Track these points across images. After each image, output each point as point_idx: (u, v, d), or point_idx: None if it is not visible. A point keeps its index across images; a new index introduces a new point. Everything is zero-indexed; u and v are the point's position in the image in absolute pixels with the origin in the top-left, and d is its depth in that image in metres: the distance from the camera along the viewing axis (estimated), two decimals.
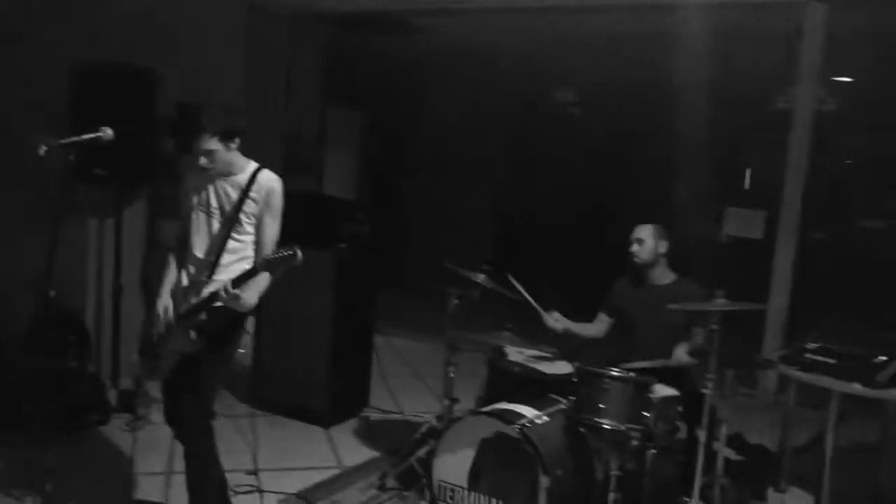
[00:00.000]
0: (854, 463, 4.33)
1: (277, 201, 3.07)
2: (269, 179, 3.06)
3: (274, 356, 4.86)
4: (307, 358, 4.71)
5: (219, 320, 3.00)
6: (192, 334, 2.95)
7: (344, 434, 4.64)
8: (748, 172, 8.14)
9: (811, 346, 3.93)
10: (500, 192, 9.73)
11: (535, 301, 4.04)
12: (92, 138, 2.63)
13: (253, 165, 3.09)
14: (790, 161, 5.94)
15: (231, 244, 3.03)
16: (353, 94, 8.47)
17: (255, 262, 2.97)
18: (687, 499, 3.39)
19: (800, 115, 5.91)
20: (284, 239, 4.76)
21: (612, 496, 3.19)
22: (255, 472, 3.91)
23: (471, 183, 9.31)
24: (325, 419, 4.69)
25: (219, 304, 2.91)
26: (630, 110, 8.35)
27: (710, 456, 3.54)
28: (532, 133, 9.68)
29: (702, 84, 6.90)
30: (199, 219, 3.09)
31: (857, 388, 3.63)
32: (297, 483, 3.88)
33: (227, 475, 3.49)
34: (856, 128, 6.88)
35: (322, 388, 4.70)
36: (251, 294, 2.94)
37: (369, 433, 4.68)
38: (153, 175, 4.69)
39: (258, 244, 3.07)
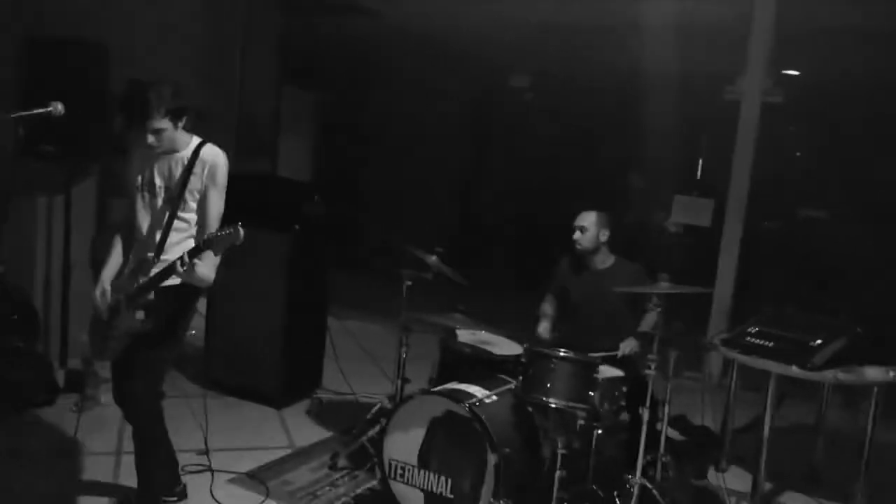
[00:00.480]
0: (792, 443, 4.51)
1: (222, 176, 3.01)
2: (213, 154, 3.01)
3: (226, 337, 4.84)
4: (259, 339, 4.71)
5: (168, 300, 2.98)
6: (140, 314, 2.93)
7: (296, 415, 4.66)
8: (699, 162, 8.33)
9: (752, 329, 4.06)
10: (455, 176, 9.79)
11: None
12: (42, 113, 2.58)
13: (196, 141, 3.05)
14: (737, 151, 6.10)
15: (176, 223, 3.00)
16: (308, 76, 8.42)
17: (196, 240, 2.96)
18: (630, 476, 3.49)
19: (747, 106, 6.07)
20: (237, 220, 4.79)
21: (558, 474, 3.28)
22: (206, 452, 3.90)
23: (426, 166, 9.35)
24: (277, 400, 4.71)
25: (168, 282, 2.89)
26: (584, 98, 8.46)
27: (654, 436, 3.65)
28: (487, 118, 9.75)
29: (655, 74, 7.02)
30: (143, 198, 3.06)
31: (793, 370, 3.77)
32: (248, 463, 3.89)
33: (179, 455, 3.49)
34: (801, 120, 7.08)
35: (274, 369, 4.71)
36: (207, 269, 2.93)
37: (321, 414, 4.70)
38: (103, 153, 4.61)
39: (201, 220, 3.02)
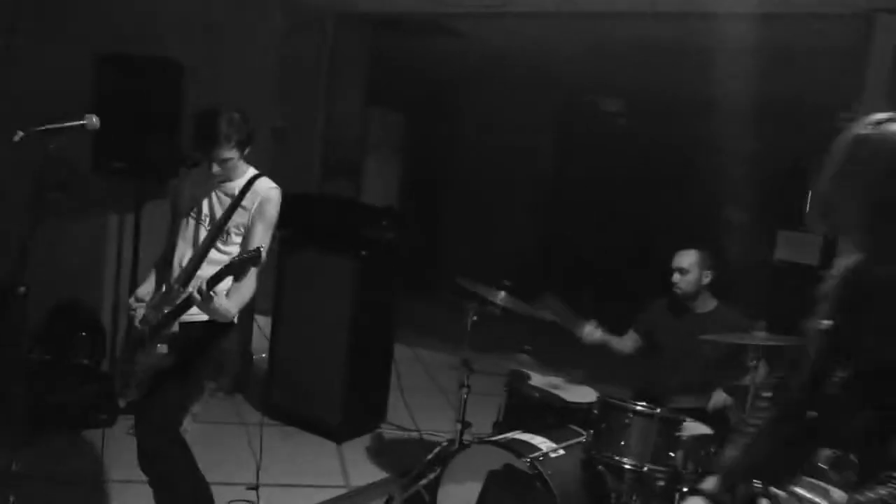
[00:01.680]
0: None
1: (272, 211, 2.85)
2: (266, 188, 2.86)
3: (290, 363, 4.67)
4: (323, 367, 4.51)
5: (191, 335, 2.79)
6: (163, 347, 2.74)
7: (356, 451, 4.43)
8: (808, 195, 7.69)
9: None
10: (541, 204, 9.46)
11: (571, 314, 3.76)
12: (75, 126, 2.45)
13: (251, 172, 2.90)
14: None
15: (214, 254, 2.82)
16: (395, 98, 8.30)
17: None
18: None
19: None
20: (305, 242, 4.65)
21: None
22: (255, 488, 3.71)
23: (511, 193, 9.06)
24: (337, 434, 4.48)
25: (195, 317, 2.71)
26: (681, 124, 8.02)
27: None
28: (577, 143, 9.39)
29: (758, 100, 6.54)
30: (187, 226, 2.90)
31: None
32: (298, 501, 3.67)
33: (226, 488, 3.31)
34: None
35: (337, 400, 4.49)
36: (231, 303, 2.71)
37: (382, 451, 4.45)
38: (174, 172, 4.55)
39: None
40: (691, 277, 3.66)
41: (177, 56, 4.37)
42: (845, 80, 5.39)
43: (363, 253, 4.45)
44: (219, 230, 2.82)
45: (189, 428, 3.70)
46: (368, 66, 7.35)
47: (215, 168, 2.76)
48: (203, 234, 2.87)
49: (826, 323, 1.65)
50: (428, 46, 7.87)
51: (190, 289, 2.72)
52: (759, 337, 3.04)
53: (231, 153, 2.75)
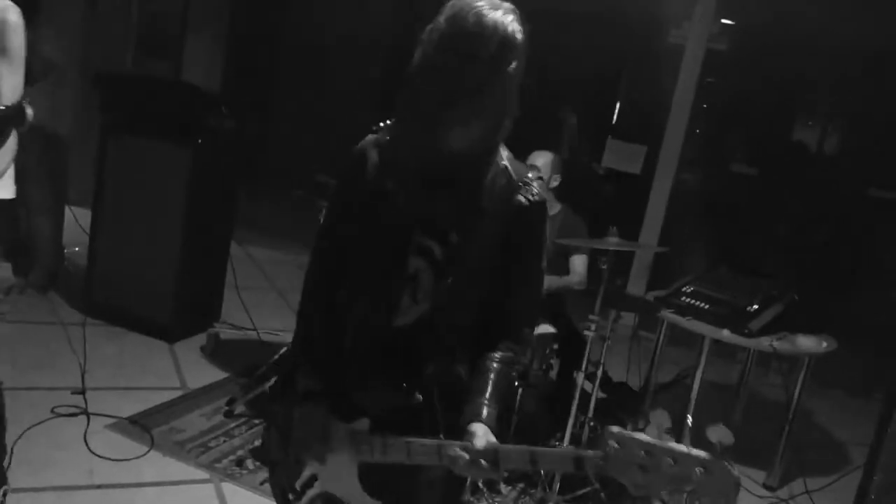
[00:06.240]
0: (711, 404, 4.41)
1: (17, 40, 2.31)
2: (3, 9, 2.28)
3: (114, 257, 4.28)
4: (153, 262, 4.19)
5: None
6: None
7: (190, 351, 4.19)
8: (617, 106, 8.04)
9: (686, 289, 3.87)
10: (376, 102, 9.22)
11: None
12: None
13: None
14: (676, 98, 5.86)
15: None
16: None
17: None
18: (558, 437, 3.27)
19: (690, 52, 5.81)
20: (132, 128, 4.21)
21: None
22: (82, 392, 3.42)
23: (346, 86, 8.73)
24: (169, 333, 4.22)
25: None
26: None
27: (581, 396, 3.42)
28: (410, 46, 9.15)
29: (595, 13, 6.67)
30: None
31: (728, 335, 3.61)
32: (131, 406, 3.44)
33: (51, 393, 3.02)
34: (742, 71, 6.90)
35: (167, 296, 4.20)
36: None
37: (218, 351, 4.25)
38: None
39: None
40: (544, 178, 3.68)
41: None
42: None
43: (199, 141, 4.10)
44: None
45: None
46: None
47: None
48: None
49: None
50: None
51: None
52: (613, 242, 3.16)
53: None
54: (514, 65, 1.42)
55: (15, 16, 2.32)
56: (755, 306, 3.68)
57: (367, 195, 1.62)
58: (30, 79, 2.45)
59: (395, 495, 1.63)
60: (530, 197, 1.57)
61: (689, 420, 3.53)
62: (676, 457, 1.26)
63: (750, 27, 6.36)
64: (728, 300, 3.74)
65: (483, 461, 1.43)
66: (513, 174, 1.57)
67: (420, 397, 1.58)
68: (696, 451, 1.25)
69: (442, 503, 1.71)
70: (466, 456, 1.43)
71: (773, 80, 6.90)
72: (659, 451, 1.26)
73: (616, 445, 1.30)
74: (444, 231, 1.57)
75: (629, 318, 5.95)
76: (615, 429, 1.31)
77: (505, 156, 1.59)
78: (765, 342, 3.57)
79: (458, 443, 1.46)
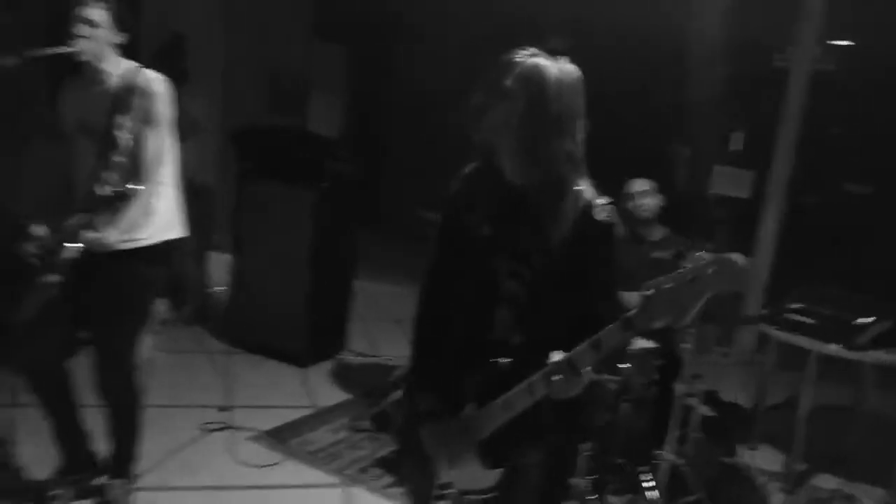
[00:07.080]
0: (825, 424, 4.36)
1: (162, 108, 2.52)
2: (147, 80, 2.49)
3: (251, 293, 4.77)
4: (286, 297, 4.63)
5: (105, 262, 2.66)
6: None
7: (319, 375, 4.60)
8: (733, 132, 8.01)
9: (794, 306, 3.90)
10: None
11: None
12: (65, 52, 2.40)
13: (127, 63, 2.57)
14: (783, 122, 5.85)
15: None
16: (340, 29, 8.21)
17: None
18: (660, 452, 3.37)
19: (796, 75, 5.81)
20: (263, 174, 4.69)
21: (584, 446, 3.17)
22: (227, 409, 3.86)
23: (455, 133, 9.12)
24: (301, 359, 4.64)
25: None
26: (624, 61, 8.19)
27: (684, 411, 3.52)
28: None
29: (699, 39, 6.75)
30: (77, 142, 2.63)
31: (836, 348, 3.62)
32: (269, 422, 3.84)
33: (198, 411, 3.43)
34: (851, 92, 6.78)
35: (300, 327, 4.63)
36: (106, 233, 2.56)
37: (344, 375, 4.64)
38: None
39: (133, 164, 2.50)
40: (651, 202, 3.83)
41: None
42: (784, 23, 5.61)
43: (324, 185, 4.54)
44: (103, 140, 2.45)
45: (149, 356, 3.78)
46: None
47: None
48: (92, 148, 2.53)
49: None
50: None
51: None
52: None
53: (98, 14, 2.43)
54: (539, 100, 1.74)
55: (160, 86, 2.54)
56: (862, 320, 3.68)
57: (460, 229, 1.90)
58: (181, 136, 2.82)
59: (513, 460, 1.84)
60: (600, 219, 1.80)
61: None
62: (692, 273, 1.49)
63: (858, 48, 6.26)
64: (835, 316, 3.75)
65: (560, 373, 1.66)
66: (585, 200, 1.81)
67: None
68: (701, 257, 1.56)
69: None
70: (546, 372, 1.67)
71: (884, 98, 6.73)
72: (678, 277, 1.51)
73: (652, 291, 1.56)
74: (528, 255, 1.81)
75: (747, 342, 5.92)
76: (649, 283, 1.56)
77: (581, 183, 1.83)
78: (872, 355, 3.56)
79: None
